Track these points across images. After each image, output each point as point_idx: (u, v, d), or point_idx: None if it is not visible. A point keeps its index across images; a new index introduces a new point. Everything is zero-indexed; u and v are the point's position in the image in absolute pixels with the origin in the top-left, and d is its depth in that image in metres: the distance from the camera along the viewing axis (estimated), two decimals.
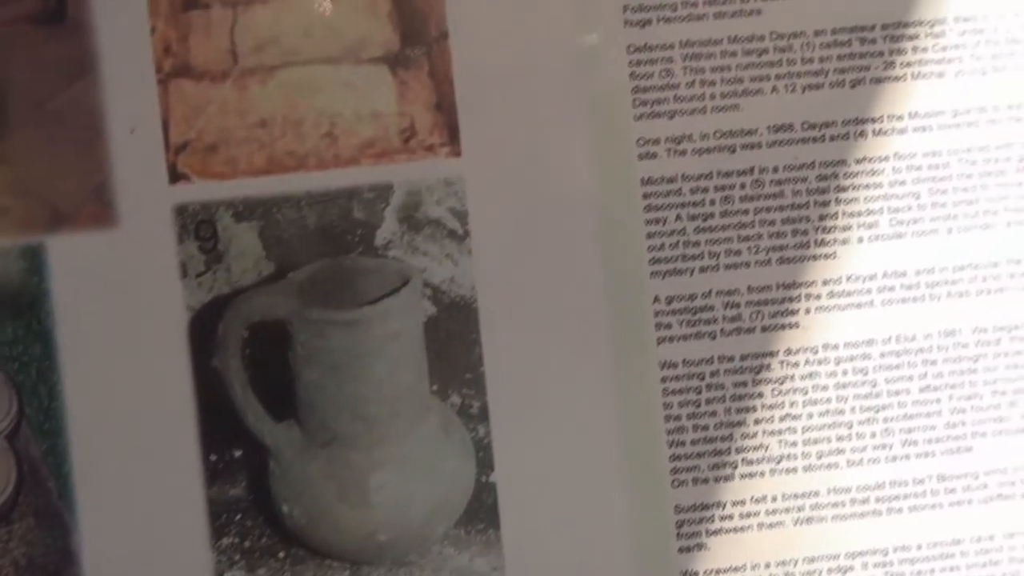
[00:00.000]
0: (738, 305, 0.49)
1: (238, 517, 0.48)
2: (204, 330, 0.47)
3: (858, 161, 0.49)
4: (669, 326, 0.48)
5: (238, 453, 0.48)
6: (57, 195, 0.46)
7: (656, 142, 0.48)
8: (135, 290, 0.47)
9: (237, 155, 0.47)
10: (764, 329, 0.49)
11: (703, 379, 0.49)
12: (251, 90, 0.47)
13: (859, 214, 0.49)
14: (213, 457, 0.47)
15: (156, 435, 0.47)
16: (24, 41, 0.46)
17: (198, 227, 0.47)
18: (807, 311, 0.49)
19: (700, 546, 0.49)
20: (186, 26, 0.47)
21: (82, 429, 0.47)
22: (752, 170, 0.48)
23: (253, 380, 0.47)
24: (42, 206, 0.46)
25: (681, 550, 0.49)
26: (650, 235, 0.48)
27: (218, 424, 0.47)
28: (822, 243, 0.49)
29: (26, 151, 0.46)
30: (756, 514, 0.49)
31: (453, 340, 0.48)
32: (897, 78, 0.49)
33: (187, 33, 0.47)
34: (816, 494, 0.49)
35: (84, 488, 0.47)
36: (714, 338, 0.49)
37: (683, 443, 0.49)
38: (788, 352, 0.49)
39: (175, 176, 0.47)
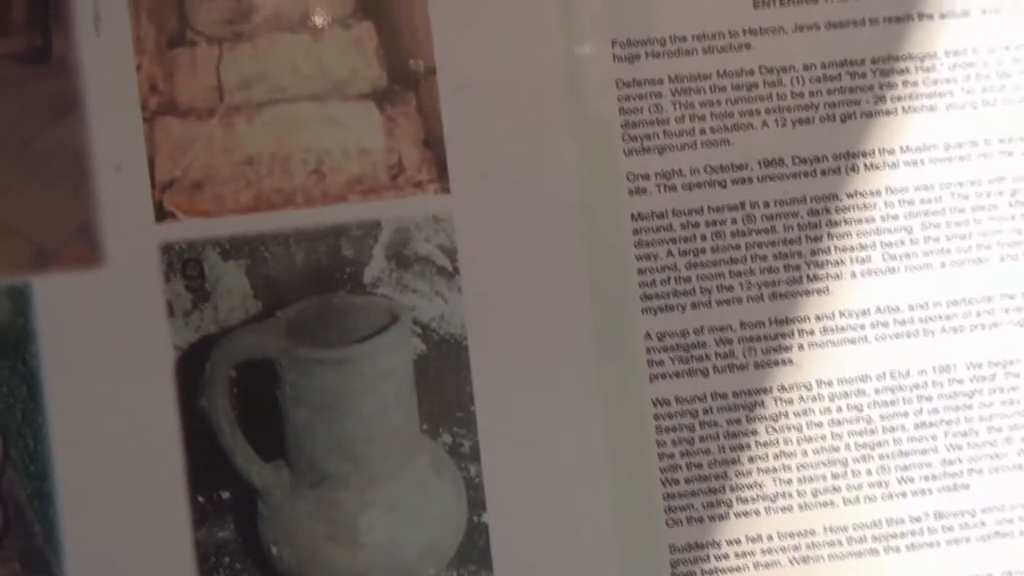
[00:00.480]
0: (731, 341, 0.48)
1: (226, 560, 0.47)
2: (191, 370, 0.46)
3: (850, 195, 0.48)
4: (661, 363, 0.48)
5: (226, 494, 0.47)
6: (42, 234, 0.46)
7: (646, 177, 0.48)
8: (121, 329, 0.46)
9: (224, 193, 0.47)
10: (757, 365, 0.48)
11: (696, 416, 0.48)
12: (238, 127, 0.47)
13: (851, 249, 0.48)
14: (201, 499, 0.47)
15: (143, 477, 0.46)
16: (9, 80, 0.46)
17: (185, 265, 0.47)
18: (800, 347, 0.48)
19: None
20: (171, 64, 0.47)
21: (68, 472, 0.46)
22: (743, 205, 0.48)
23: (241, 420, 0.47)
24: (27, 245, 0.46)
25: None
26: (641, 271, 0.48)
27: (206, 465, 0.47)
28: (814, 278, 0.48)
29: (10, 190, 0.46)
30: (752, 553, 0.48)
31: (443, 378, 0.48)
32: (888, 112, 0.48)
33: (173, 71, 0.47)
34: (812, 533, 0.49)
35: (70, 531, 0.46)
36: (707, 375, 0.48)
37: (677, 481, 0.48)
38: (782, 388, 0.48)
39: (161, 214, 0.46)
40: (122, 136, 0.46)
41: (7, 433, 0.46)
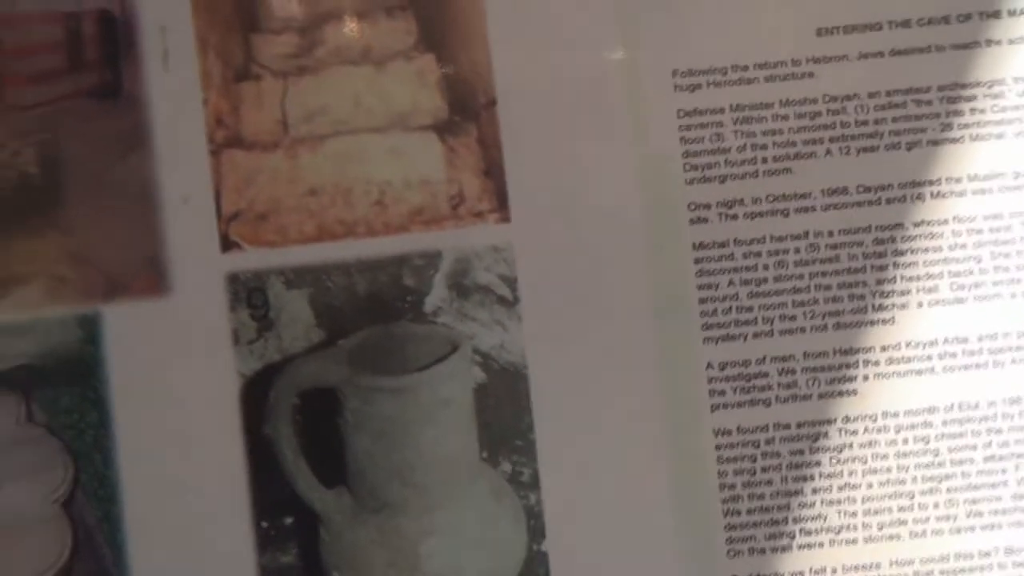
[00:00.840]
0: (794, 371, 0.48)
1: None
2: (255, 397, 0.47)
3: (916, 224, 0.48)
4: (723, 393, 0.48)
5: (289, 520, 0.48)
6: (112, 265, 0.47)
7: (707, 207, 0.48)
8: (188, 358, 0.47)
9: (288, 223, 0.47)
10: (821, 396, 0.48)
11: (758, 447, 0.47)
12: (301, 159, 0.48)
13: (918, 278, 0.48)
14: (264, 524, 0.47)
15: (209, 502, 0.47)
16: (81, 115, 0.47)
17: (250, 295, 0.47)
18: (865, 378, 0.48)
19: None
20: (237, 97, 0.48)
21: (136, 496, 0.47)
22: (806, 234, 0.48)
23: (304, 447, 0.47)
24: (98, 276, 0.47)
25: None
26: (702, 300, 0.47)
27: (270, 491, 0.47)
28: (880, 308, 0.48)
29: (82, 222, 0.47)
30: None
31: (503, 407, 0.48)
32: (955, 140, 0.48)
33: (238, 104, 0.48)
34: (878, 566, 0.48)
35: (138, 555, 0.47)
36: (769, 405, 0.48)
37: (739, 512, 0.48)
38: (846, 420, 0.48)
39: (227, 245, 0.47)
40: (189, 169, 0.47)
41: (78, 458, 0.47)
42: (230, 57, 0.48)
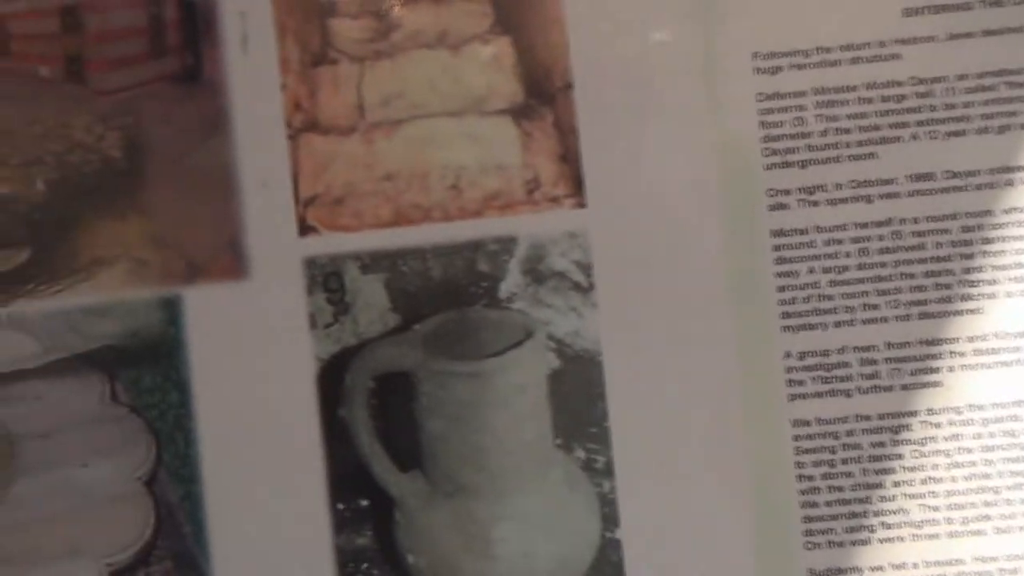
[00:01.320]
0: (875, 362, 0.46)
1: (364, 566, 0.48)
2: (332, 380, 0.47)
3: (1006, 211, 0.46)
4: (802, 383, 0.47)
5: (364, 502, 0.48)
6: (192, 248, 0.48)
7: (787, 192, 0.47)
8: (266, 340, 0.48)
9: (364, 208, 0.48)
10: (904, 387, 0.46)
11: (838, 438, 0.47)
12: (377, 144, 0.48)
13: (1007, 267, 0.46)
14: (340, 506, 0.48)
15: (286, 484, 0.48)
16: (163, 99, 0.48)
17: (326, 279, 0.48)
18: (950, 369, 0.46)
19: None
20: (315, 82, 0.48)
21: (216, 475, 0.48)
22: (890, 221, 0.46)
23: (379, 430, 0.47)
24: (179, 259, 0.48)
25: None
26: (781, 288, 0.47)
27: (345, 473, 0.48)
28: (967, 298, 0.46)
29: (164, 206, 0.48)
30: None
31: (578, 393, 0.47)
32: None
33: (315, 89, 0.48)
34: (961, 562, 0.47)
35: (218, 533, 0.48)
36: (849, 396, 0.46)
37: (816, 504, 0.47)
38: (930, 412, 0.46)
39: (304, 229, 0.48)
40: (267, 153, 0.48)
41: (160, 437, 0.48)
42: (308, 42, 0.48)
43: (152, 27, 0.48)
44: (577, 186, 0.47)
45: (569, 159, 0.47)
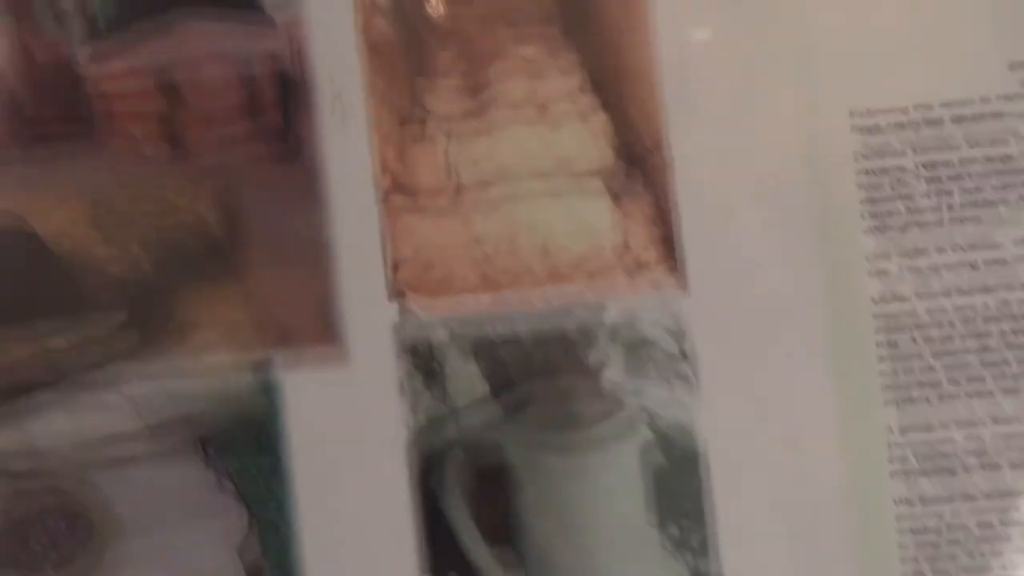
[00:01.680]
0: (982, 438, 0.45)
1: None
2: (422, 449, 0.47)
3: None
4: (904, 459, 0.45)
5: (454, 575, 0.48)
6: (284, 312, 0.48)
7: (887, 257, 0.45)
8: (357, 409, 0.48)
9: (453, 273, 0.47)
10: (1013, 466, 0.45)
11: (943, 519, 0.45)
12: (466, 207, 0.47)
13: None
14: None
15: (378, 554, 0.47)
16: (259, 169, 0.48)
17: (415, 345, 0.47)
18: None
19: None
20: (405, 146, 0.48)
21: (308, 542, 0.48)
22: (996, 288, 0.45)
23: (470, 503, 0.47)
24: (271, 322, 0.48)
25: None
26: (882, 359, 0.45)
27: (435, 545, 0.47)
28: None
29: (257, 270, 0.48)
30: None
31: (672, 468, 0.46)
32: None
33: (405, 152, 0.48)
34: None
35: None
36: (954, 474, 0.45)
37: None
38: None
39: (394, 294, 0.47)
40: (358, 216, 0.47)
41: (251, 504, 0.48)
42: (399, 105, 0.48)
43: (250, 106, 0.48)
44: (669, 251, 0.46)
45: (661, 224, 0.46)
